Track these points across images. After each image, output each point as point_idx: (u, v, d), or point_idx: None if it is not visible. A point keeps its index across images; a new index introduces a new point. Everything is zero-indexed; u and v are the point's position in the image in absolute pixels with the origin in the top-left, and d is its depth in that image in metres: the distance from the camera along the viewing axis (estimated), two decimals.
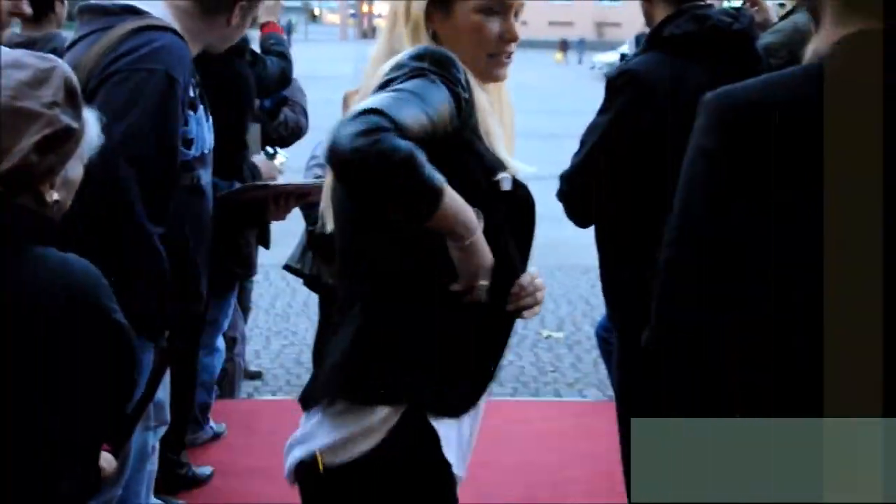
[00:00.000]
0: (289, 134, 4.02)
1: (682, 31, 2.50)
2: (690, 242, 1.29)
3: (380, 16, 70.56)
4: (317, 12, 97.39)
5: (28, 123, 1.49)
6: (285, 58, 3.67)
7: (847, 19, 1.32)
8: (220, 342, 3.47)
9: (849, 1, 1.33)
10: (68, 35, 3.65)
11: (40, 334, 1.46)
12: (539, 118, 17.48)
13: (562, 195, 2.57)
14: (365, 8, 69.08)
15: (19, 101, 1.49)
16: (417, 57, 1.62)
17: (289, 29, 43.91)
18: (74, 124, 1.55)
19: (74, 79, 1.59)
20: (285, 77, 3.66)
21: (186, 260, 2.26)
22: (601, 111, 2.53)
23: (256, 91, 3.49)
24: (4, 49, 1.58)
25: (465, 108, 1.63)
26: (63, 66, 1.59)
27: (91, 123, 1.62)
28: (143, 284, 2.10)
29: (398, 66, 1.61)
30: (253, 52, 3.47)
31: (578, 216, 2.59)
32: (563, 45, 44.04)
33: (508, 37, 1.74)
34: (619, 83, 2.48)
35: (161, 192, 2.16)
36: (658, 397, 1.35)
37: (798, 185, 1.24)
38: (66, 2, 3.70)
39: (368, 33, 66.00)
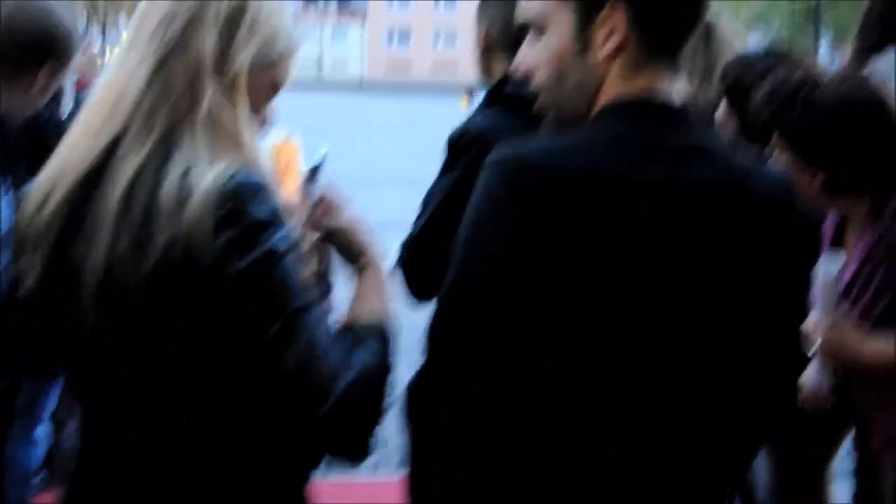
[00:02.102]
0: None
1: (525, 89, 2.36)
2: (464, 298, 1.30)
3: None
4: None
5: None
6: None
7: (631, 78, 1.35)
8: (41, 431, 3.14)
9: (636, 63, 1.34)
10: None
11: None
12: (410, 163, 17.43)
13: (400, 263, 2.36)
14: None
15: None
16: (257, 207, 1.33)
17: None
18: None
19: None
20: None
21: None
22: (442, 173, 2.34)
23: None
24: None
25: None
26: None
27: None
28: None
29: (242, 220, 1.31)
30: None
31: (417, 287, 2.36)
32: (470, 92, 42.96)
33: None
34: (461, 143, 2.31)
35: None
36: None
37: (573, 252, 1.26)
38: None
39: None
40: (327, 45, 64.47)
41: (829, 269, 2.01)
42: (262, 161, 1.42)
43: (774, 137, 2.13)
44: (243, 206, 1.31)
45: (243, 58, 1.42)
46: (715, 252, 1.31)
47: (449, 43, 61.18)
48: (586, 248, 1.27)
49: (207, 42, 1.40)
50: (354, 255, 1.54)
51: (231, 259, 1.29)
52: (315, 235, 1.56)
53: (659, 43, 1.35)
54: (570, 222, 1.27)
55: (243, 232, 1.30)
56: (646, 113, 1.35)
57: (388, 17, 64.75)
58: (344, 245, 1.54)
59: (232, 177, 1.32)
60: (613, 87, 1.35)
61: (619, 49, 1.34)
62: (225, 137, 1.38)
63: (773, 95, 2.12)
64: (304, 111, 32.02)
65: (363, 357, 1.35)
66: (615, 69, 1.35)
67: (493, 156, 1.31)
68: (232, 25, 1.42)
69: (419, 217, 2.35)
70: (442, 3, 64.93)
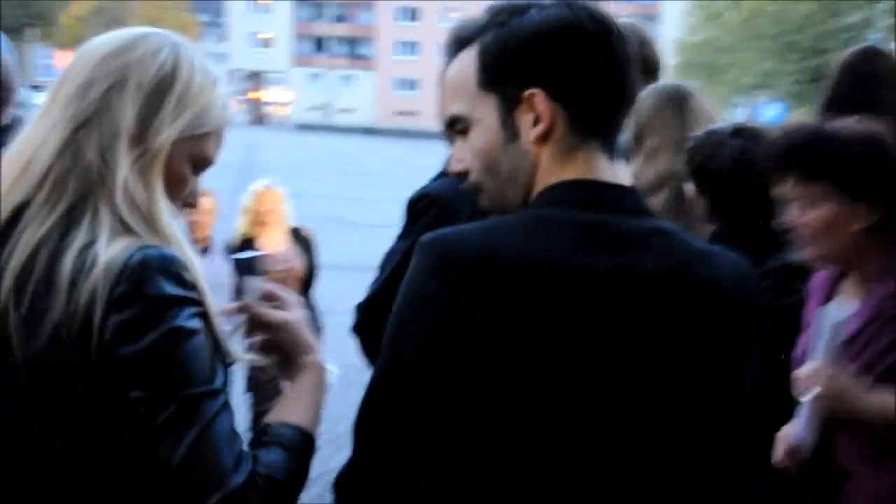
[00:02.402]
0: None
1: None
2: (390, 393, 1.24)
3: (274, 103, 70.95)
4: None
5: None
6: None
7: (566, 161, 1.28)
8: None
9: (569, 146, 1.28)
10: None
11: None
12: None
13: (356, 328, 2.32)
14: (256, 95, 69.16)
15: None
16: (164, 282, 1.24)
17: None
18: None
19: None
20: None
21: None
22: (401, 236, 2.31)
23: None
24: None
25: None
26: None
27: None
28: None
29: (145, 297, 1.22)
30: None
31: (372, 351, 2.19)
32: None
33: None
34: (419, 206, 2.29)
35: None
36: None
37: (511, 346, 1.20)
38: None
39: (259, 120, 65.98)
40: (336, 92, 64.99)
41: (833, 319, 1.99)
42: (179, 240, 1.32)
43: (793, 184, 2.09)
44: (147, 283, 1.22)
45: (169, 133, 1.32)
46: (663, 337, 1.25)
47: None
48: (520, 338, 1.20)
49: (126, 112, 1.31)
50: (296, 354, 1.43)
51: (126, 341, 1.21)
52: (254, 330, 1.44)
53: (589, 124, 1.29)
54: (502, 312, 1.19)
55: (144, 310, 1.21)
56: (585, 196, 1.27)
57: (397, 65, 65.33)
58: (287, 343, 1.43)
59: (137, 252, 1.24)
60: (549, 174, 1.28)
61: (547, 133, 1.28)
62: (137, 214, 1.29)
63: (788, 139, 2.07)
64: (311, 155, 32.18)
65: (268, 460, 1.27)
66: (547, 154, 1.28)
67: (424, 238, 1.25)
68: (157, 97, 1.33)
69: (375, 280, 2.30)
70: None
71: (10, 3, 53.65)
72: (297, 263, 4.96)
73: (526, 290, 1.20)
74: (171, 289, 1.23)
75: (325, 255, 5.38)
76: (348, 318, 2.35)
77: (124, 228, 1.28)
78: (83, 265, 1.23)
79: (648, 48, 2.81)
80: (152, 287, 1.22)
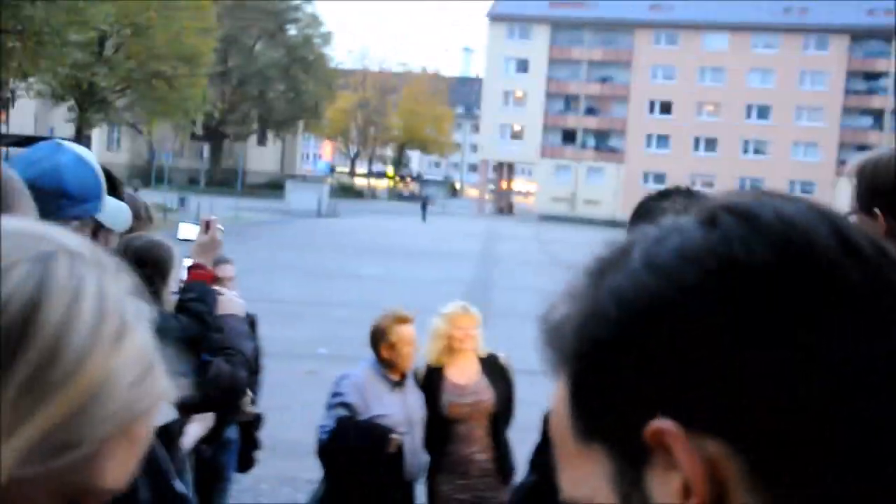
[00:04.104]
0: (221, 393, 2.87)
1: None
2: None
3: (519, 193, 72.26)
4: (457, 185, 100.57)
5: None
6: (202, 321, 2.79)
7: None
8: None
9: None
10: None
11: None
12: None
13: None
14: (504, 185, 70.72)
15: None
16: None
17: (425, 203, 47.72)
18: None
19: None
20: (197, 345, 2.78)
21: None
22: (532, 466, 1.89)
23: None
24: None
25: None
26: None
27: None
28: None
29: None
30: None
31: None
32: None
33: None
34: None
35: None
36: None
37: None
38: None
39: (505, 209, 67.27)
40: (582, 184, 65.31)
41: None
42: None
43: None
44: None
45: (7, 454, 0.63)
46: None
47: (705, 189, 60.29)
48: None
49: None
50: None
51: None
52: None
53: (808, 472, 0.55)
54: None
55: None
56: None
57: (646, 159, 64.91)
58: None
59: None
60: None
61: None
62: None
63: None
64: (551, 246, 32.25)
65: None
66: None
67: None
68: None
69: (529, 472, 1.89)
70: (702, 147, 64.28)
71: (283, 97, 58.09)
72: (486, 396, 4.62)
73: None
74: None
75: None
76: None
77: None
78: None
79: None
80: None
